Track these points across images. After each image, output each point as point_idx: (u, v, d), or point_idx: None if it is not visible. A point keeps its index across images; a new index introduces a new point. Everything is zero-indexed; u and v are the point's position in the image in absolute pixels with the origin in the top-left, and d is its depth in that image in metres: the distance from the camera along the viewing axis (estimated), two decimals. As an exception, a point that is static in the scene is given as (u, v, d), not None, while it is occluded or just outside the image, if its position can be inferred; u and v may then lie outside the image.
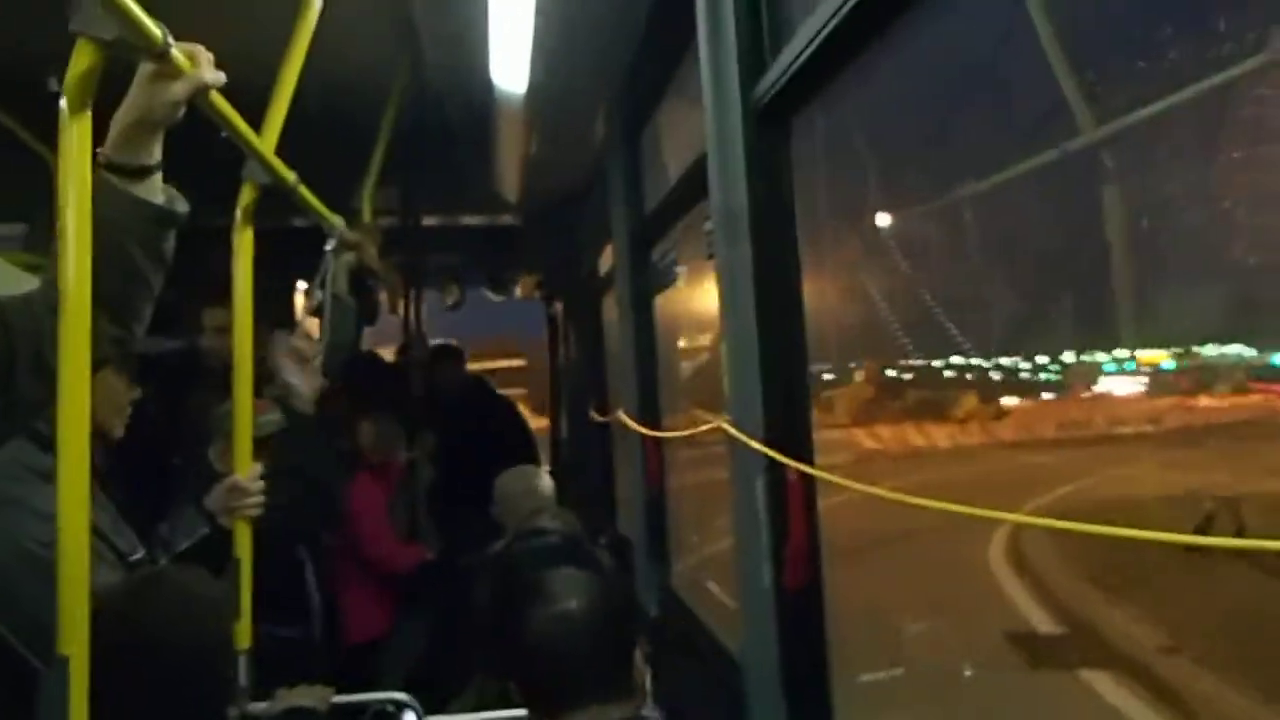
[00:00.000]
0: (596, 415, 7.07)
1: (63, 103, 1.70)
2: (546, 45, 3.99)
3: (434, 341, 6.88)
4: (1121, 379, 20.87)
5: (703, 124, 2.86)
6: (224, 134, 2.45)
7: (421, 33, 4.29)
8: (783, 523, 2.50)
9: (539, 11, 3.74)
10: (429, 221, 7.68)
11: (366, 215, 4.99)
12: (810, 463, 2.45)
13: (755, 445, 2.49)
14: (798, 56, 2.24)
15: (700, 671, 3.43)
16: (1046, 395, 24.05)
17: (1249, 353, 17.08)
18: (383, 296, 6.20)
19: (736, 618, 2.89)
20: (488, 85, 4.51)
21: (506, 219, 8.09)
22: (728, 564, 3.04)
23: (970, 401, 24.06)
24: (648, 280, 4.81)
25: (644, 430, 4.57)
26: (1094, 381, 21.70)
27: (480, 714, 3.17)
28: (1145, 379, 20.43)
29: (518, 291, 9.63)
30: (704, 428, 3.06)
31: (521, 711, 2.81)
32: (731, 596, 3.01)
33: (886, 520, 10.12)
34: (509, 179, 6.37)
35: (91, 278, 1.70)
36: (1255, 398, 16.83)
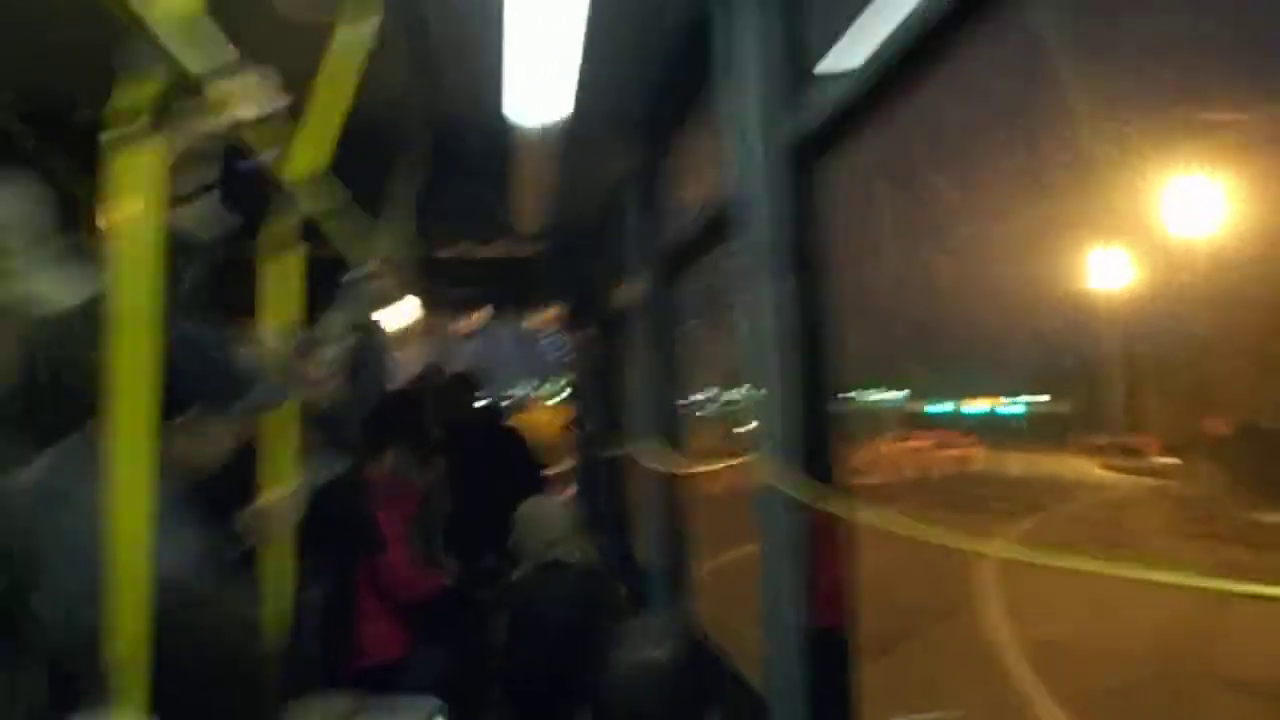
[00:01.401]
0: (616, 447, 7.07)
1: (120, 132, 1.72)
2: (570, 83, 4.01)
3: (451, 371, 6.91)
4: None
5: (729, 161, 2.87)
6: (247, 165, 2.47)
7: (440, 70, 4.32)
8: (810, 560, 2.50)
9: (558, 50, 3.77)
10: (450, 253, 7.72)
11: (390, 248, 5.01)
12: (838, 498, 2.45)
13: (783, 484, 2.49)
14: (833, 97, 2.25)
15: (725, 710, 3.42)
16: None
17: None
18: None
19: (761, 656, 2.88)
20: (504, 122, 4.54)
21: (527, 250, 8.12)
22: (746, 600, 3.04)
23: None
24: (671, 313, 4.81)
25: (663, 466, 4.57)
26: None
27: None
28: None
29: (538, 322, 9.66)
30: (730, 463, 3.05)
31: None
32: (755, 634, 2.99)
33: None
34: (531, 211, 6.39)
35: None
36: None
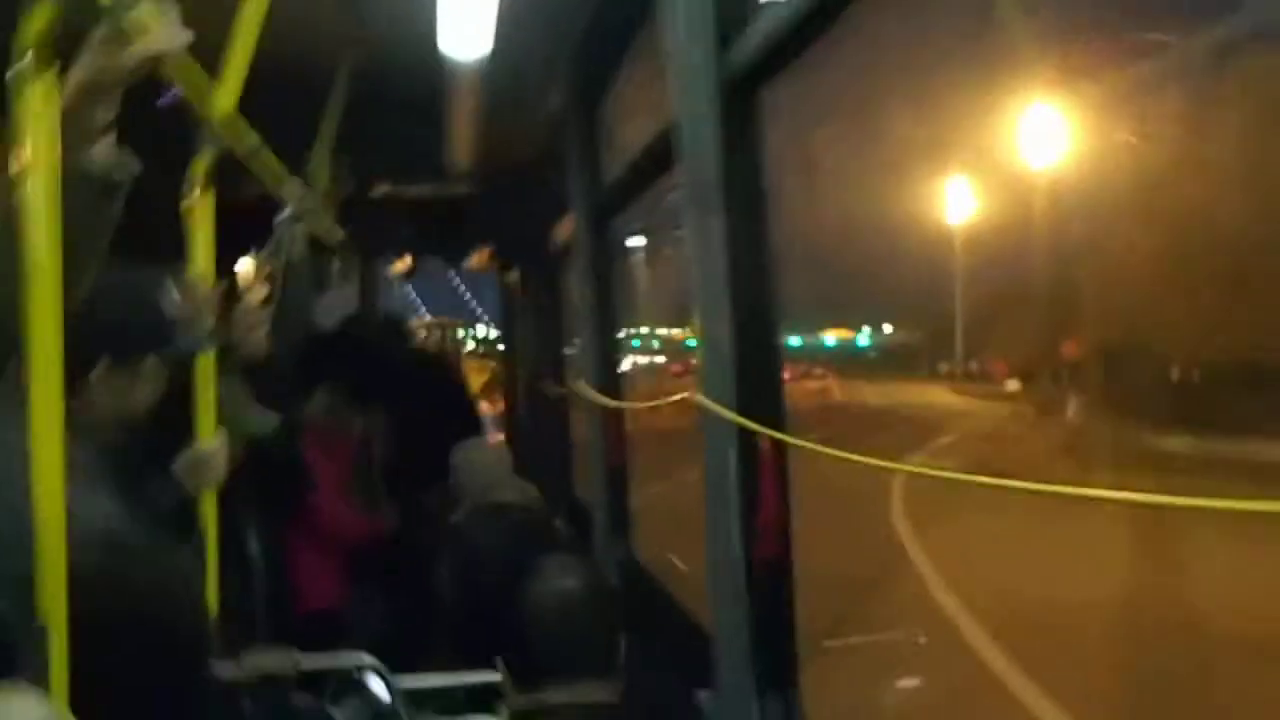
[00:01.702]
0: (555, 386, 7.06)
1: (21, 66, 1.66)
2: (501, 12, 3.95)
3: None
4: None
5: (670, 94, 2.84)
6: (167, 98, 2.39)
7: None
8: (754, 493, 2.51)
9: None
10: (381, 192, 7.62)
11: (320, 185, 4.94)
12: (783, 431, 2.46)
13: (728, 415, 2.49)
14: (773, 26, 2.24)
15: (666, 643, 3.45)
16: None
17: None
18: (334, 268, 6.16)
19: (702, 588, 2.90)
20: (438, 55, 4.46)
21: (461, 189, 8.02)
22: (687, 536, 3.06)
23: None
24: (608, 251, 4.80)
25: (606, 401, 4.57)
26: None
27: (451, 675, 3.17)
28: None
29: (471, 263, 9.58)
30: (673, 398, 3.06)
31: (492, 675, 2.83)
32: (696, 567, 3.02)
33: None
34: (463, 148, 6.30)
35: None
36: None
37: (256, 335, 3.63)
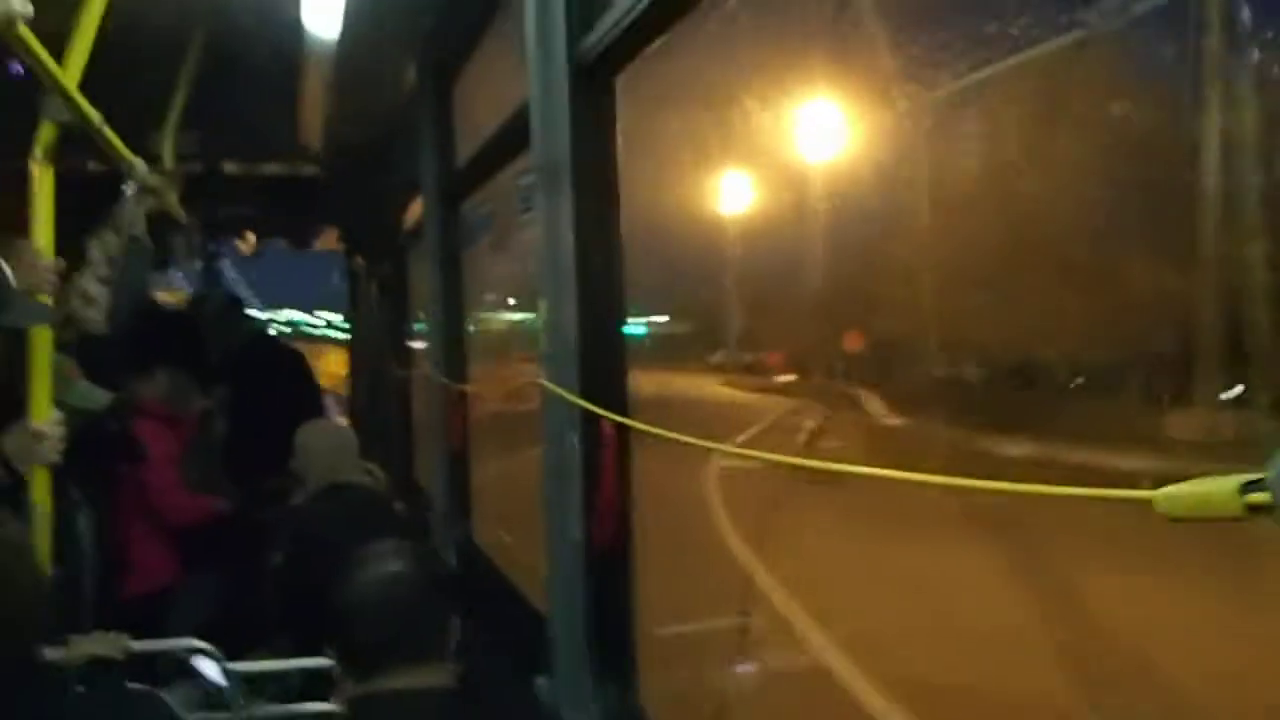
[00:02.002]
0: (399, 369, 7.01)
1: None
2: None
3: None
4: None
5: (525, 77, 2.84)
6: (16, 69, 2.34)
7: None
8: (595, 476, 2.52)
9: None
10: (229, 169, 7.46)
11: (167, 160, 4.83)
12: (626, 416, 2.48)
13: (571, 398, 2.51)
14: (626, 13, 2.26)
15: (502, 626, 3.45)
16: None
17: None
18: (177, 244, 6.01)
19: (539, 573, 2.91)
20: (297, 28, 4.39)
21: (309, 169, 7.90)
22: (525, 518, 3.06)
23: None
24: (457, 235, 4.77)
25: (451, 384, 4.55)
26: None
27: (285, 661, 3.12)
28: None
29: (316, 244, 9.43)
30: (518, 383, 3.06)
31: (325, 661, 2.80)
32: (532, 551, 3.02)
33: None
34: (313, 127, 6.21)
35: None
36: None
37: (94, 311, 3.56)
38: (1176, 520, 0.90)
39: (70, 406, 3.23)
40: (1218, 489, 0.87)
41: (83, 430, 3.41)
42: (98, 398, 3.47)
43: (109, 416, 3.69)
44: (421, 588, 2.21)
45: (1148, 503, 0.92)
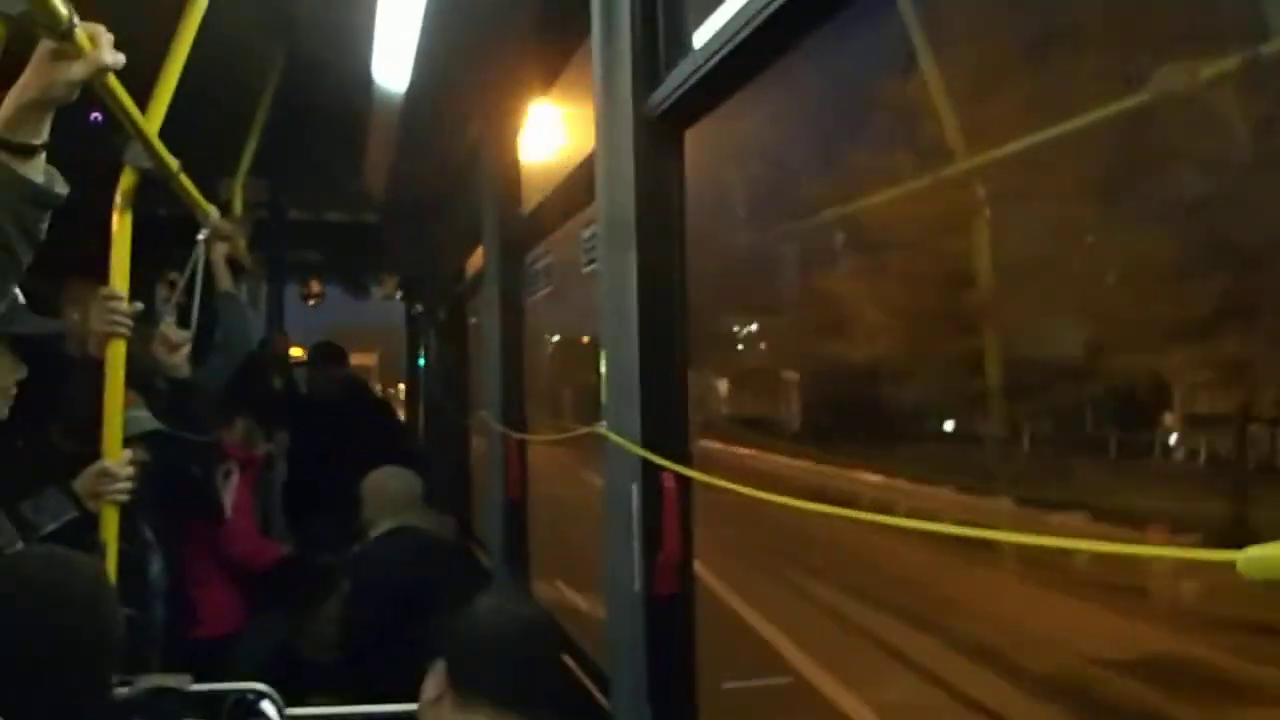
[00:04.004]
0: (457, 417, 7.03)
1: None
2: (431, 42, 3.96)
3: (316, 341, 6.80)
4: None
5: (595, 131, 2.86)
6: (96, 116, 2.41)
7: (300, 22, 4.23)
8: (656, 527, 2.51)
9: (428, 11, 3.72)
10: (294, 215, 7.58)
11: (237, 207, 4.92)
12: (689, 467, 2.48)
13: (633, 448, 2.50)
14: (697, 68, 2.27)
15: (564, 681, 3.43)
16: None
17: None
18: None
19: (599, 627, 2.89)
20: (367, 80, 4.46)
21: (371, 217, 8.00)
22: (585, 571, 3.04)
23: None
24: (518, 285, 4.79)
25: (511, 433, 4.56)
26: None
27: (346, 707, 3.13)
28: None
29: (378, 292, 9.53)
30: (578, 431, 3.06)
31: (386, 708, 2.80)
32: (594, 605, 3.01)
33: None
34: (377, 176, 6.30)
35: None
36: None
37: (177, 356, 3.65)
38: (1259, 581, 0.87)
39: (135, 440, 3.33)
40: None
41: (163, 476, 3.50)
42: (144, 423, 3.51)
43: (192, 462, 3.75)
44: (552, 633, 2.22)
45: (1230, 565, 0.89)
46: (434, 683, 2.16)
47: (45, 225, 2.02)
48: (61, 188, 2.02)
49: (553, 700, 2.18)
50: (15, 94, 1.88)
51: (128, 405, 3.35)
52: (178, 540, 3.87)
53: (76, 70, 1.88)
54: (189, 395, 3.70)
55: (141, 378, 3.59)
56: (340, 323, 9.82)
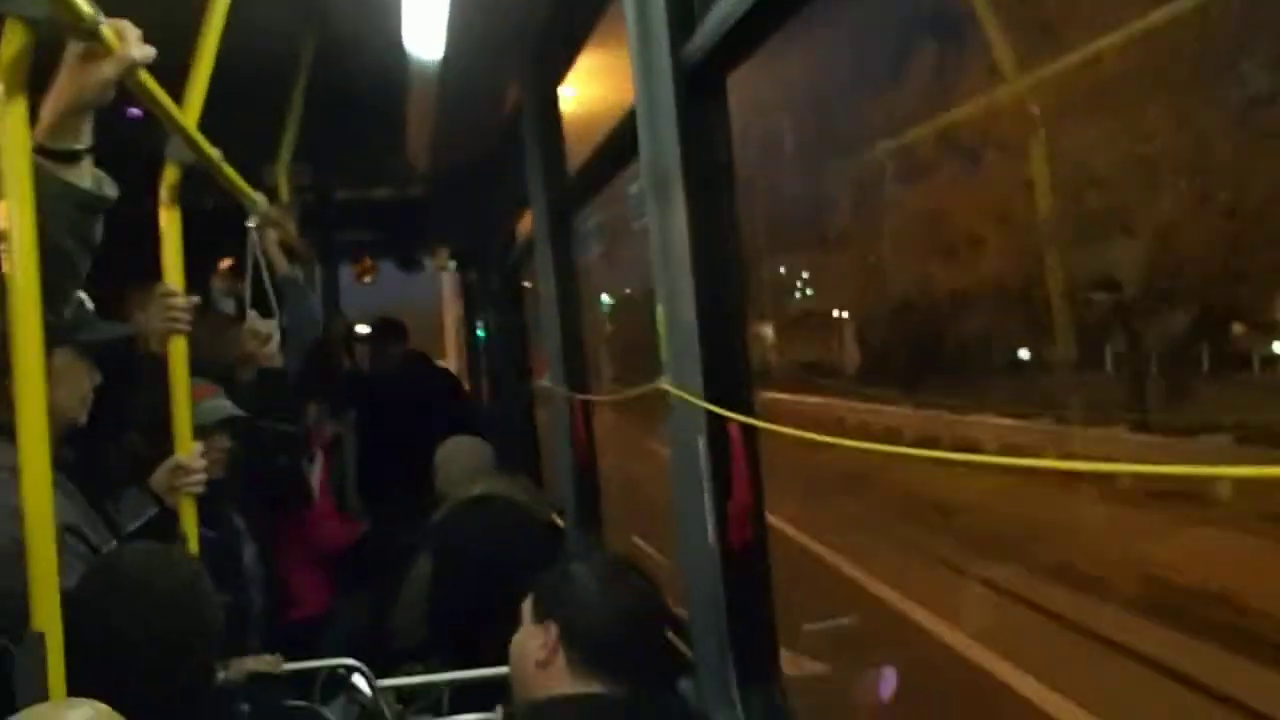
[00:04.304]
0: (520, 382, 7.06)
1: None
2: (462, 6, 3.94)
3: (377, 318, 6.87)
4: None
5: (631, 84, 2.83)
6: (134, 112, 2.42)
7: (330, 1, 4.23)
8: (726, 479, 2.50)
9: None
10: (341, 196, 7.60)
11: (283, 192, 4.94)
12: (753, 416, 2.47)
13: (697, 401, 2.49)
14: (731, 12, 2.24)
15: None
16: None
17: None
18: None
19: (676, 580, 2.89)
20: (399, 51, 4.45)
21: (417, 190, 8.02)
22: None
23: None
24: (569, 246, 4.78)
25: (572, 394, 4.56)
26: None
27: (433, 675, 3.16)
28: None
29: (430, 265, 9.56)
30: (642, 388, 3.05)
31: (473, 673, 2.82)
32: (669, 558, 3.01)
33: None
34: (419, 149, 6.29)
35: None
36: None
37: (269, 346, 3.79)
38: None
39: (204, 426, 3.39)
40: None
41: (251, 466, 3.57)
42: (223, 410, 3.57)
43: (281, 451, 3.81)
44: (664, 605, 2.23)
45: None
46: (539, 644, 2.13)
47: (98, 230, 2.05)
48: (111, 190, 2.05)
49: (663, 674, 2.19)
50: (51, 101, 1.89)
51: (207, 395, 3.42)
52: (268, 527, 3.93)
53: (106, 69, 1.88)
54: (280, 384, 3.78)
55: (222, 370, 3.66)
56: (397, 299, 9.88)
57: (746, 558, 2.56)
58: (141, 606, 2.06)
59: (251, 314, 3.77)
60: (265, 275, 3.76)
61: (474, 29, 4.18)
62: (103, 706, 1.53)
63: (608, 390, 4.72)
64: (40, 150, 1.88)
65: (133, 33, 1.93)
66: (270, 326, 3.80)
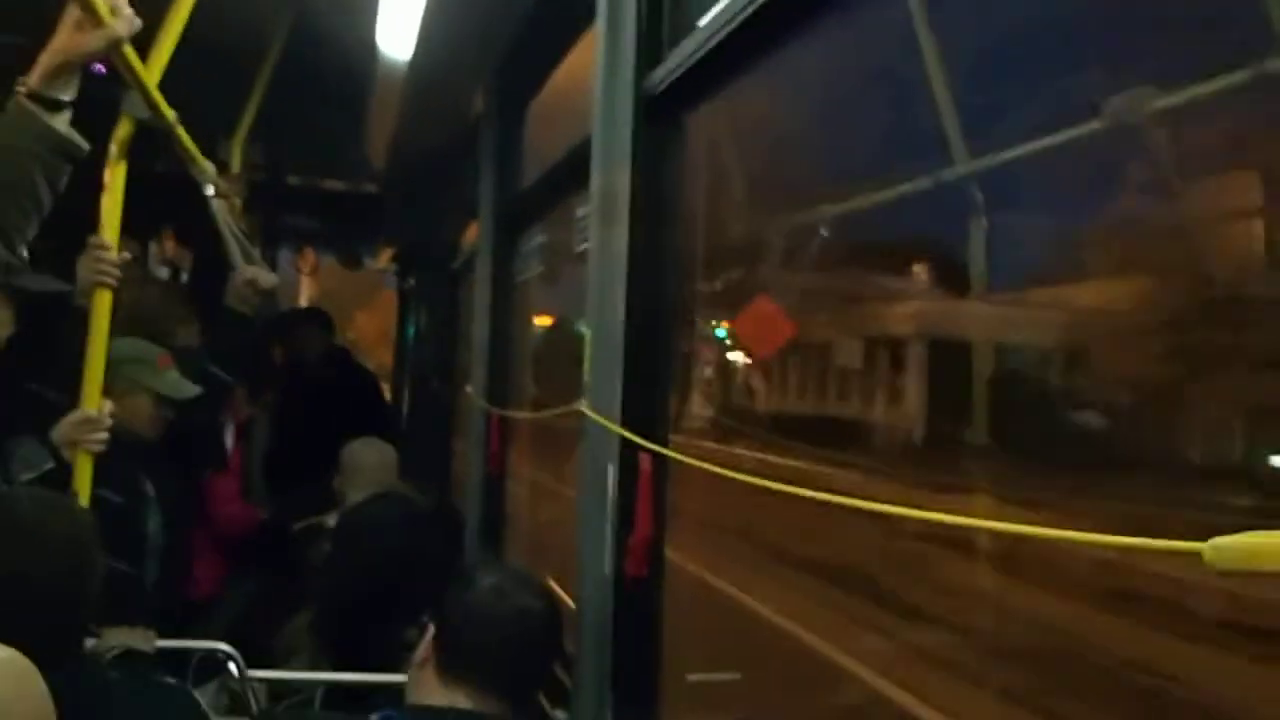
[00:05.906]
0: (442, 391, 7.03)
1: None
2: (437, 12, 3.94)
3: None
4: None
5: (591, 108, 2.85)
6: (98, 68, 2.45)
7: None
8: (630, 510, 2.50)
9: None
10: (291, 180, 7.55)
11: (235, 167, 4.90)
12: (666, 448, 2.47)
13: (612, 427, 2.49)
14: (698, 47, 2.26)
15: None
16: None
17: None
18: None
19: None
20: (371, 47, 4.44)
21: (369, 187, 7.98)
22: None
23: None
24: (511, 263, 4.79)
25: (494, 409, 4.56)
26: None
27: (305, 673, 3.12)
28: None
29: (370, 263, 9.51)
30: (559, 410, 3.05)
31: (347, 676, 2.79)
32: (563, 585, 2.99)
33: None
34: (377, 146, 6.27)
35: None
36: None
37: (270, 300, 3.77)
38: (1224, 574, 0.88)
39: (160, 395, 3.47)
40: (1268, 542, 0.86)
41: (175, 421, 3.52)
42: (186, 389, 3.53)
43: (200, 408, 3.74)
44: (551, 624, 2.21)
45: (1196, 555, 0.90)
46: (424, 647, 2.16)
47: (65, 180, 2.30)
48: (83, 143, 2.31)
49: (532, 698, 2.18)
50: (47, 55, 2.21)
51: (164, 367, 3.40)
52: (179, 499, 3.84)
53: (95, 42, 2.19)
54: (242, 333, 3.76)
55: (155, 333, 3.64)
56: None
57: (640, 591, 2.55)
58: (12, 551, 2.00)
59: (252, 268, 3.77)
60: (239, 231, 3.76)
61: (445, 35, 4.18)
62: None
63: (528, 409, 4.70)
64: (31, 95, 2.20)
65: (126, 10, 2.22)
66: (272, 280, 3.86)
